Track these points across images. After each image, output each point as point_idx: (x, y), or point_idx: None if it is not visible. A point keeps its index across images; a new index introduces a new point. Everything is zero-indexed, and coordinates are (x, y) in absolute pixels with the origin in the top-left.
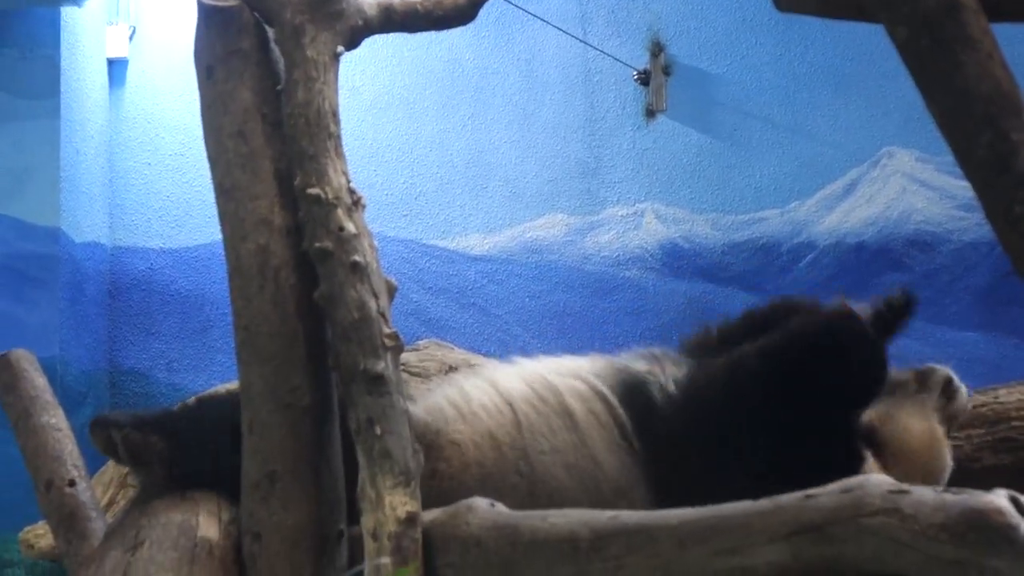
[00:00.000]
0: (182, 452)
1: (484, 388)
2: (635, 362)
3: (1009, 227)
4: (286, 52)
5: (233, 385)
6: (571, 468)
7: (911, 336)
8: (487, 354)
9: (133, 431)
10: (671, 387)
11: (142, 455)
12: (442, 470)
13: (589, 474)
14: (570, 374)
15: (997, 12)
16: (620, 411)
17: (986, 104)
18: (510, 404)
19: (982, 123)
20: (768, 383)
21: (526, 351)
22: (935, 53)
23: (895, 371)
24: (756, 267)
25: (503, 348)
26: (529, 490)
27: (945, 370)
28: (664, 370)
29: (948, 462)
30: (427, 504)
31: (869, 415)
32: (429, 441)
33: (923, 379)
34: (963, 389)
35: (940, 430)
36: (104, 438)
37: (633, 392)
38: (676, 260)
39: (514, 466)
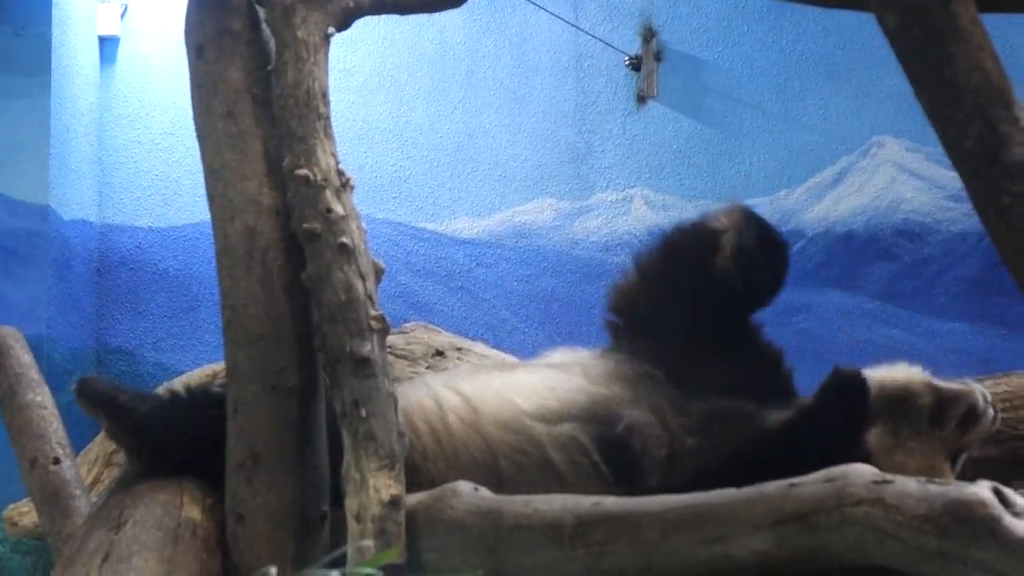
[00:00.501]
0: (151, 449)
1: (467, 422)
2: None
3: (997, 217)
4: (276, 32)
5: (219, 366)
6: None
7: (899, 326)
8: (474, 337)
9: (111, 422)
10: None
11: (118, 439)
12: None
13: None
14: (553, 419)
15: (987, 3)
16: (602, 465)
17: (975, 95)
18: (494, 457)
19: (971, 114)
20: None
21: (513, 335)
22: (925, 43)
23: (920, 379)
24: None
25: (490, 332)
26: None
27: (969, 397)
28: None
29: None
30: None
31: (873, 437)
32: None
33: (940, 409)
34: (988, 414)
35: (942, 470)
36: (89, 408)
37: (618, 447)
38: None
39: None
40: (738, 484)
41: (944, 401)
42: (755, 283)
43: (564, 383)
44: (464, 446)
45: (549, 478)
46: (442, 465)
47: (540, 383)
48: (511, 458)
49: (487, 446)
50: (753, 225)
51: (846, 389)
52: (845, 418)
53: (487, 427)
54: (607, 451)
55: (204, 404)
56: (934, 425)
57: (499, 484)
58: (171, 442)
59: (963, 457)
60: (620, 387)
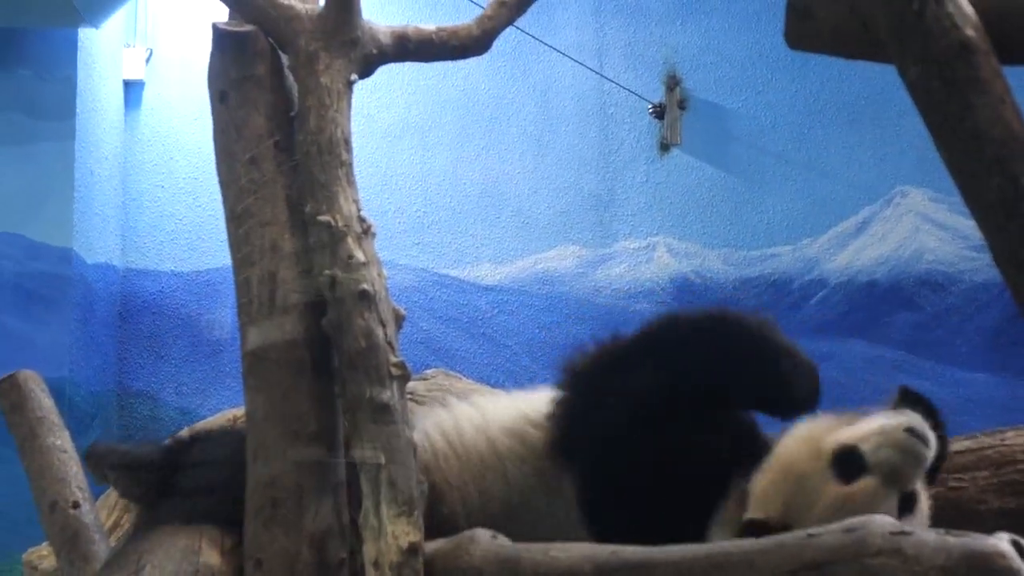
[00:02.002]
0: (172, 492)
1: (478, 427)
2: None
3: (1017, 271)
4: (300, 79)
5: (239, 410)
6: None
7: (922, 376)
8: (495, 384)
9: (122, 473)
10: None
11: (133, 494)
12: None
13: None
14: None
15: (1010, 56)
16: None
17: (996, 147)
18: (503, 461)
19: (992, 166)
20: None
21: (535, 383)
22: (946, 94)
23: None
24: (767, 303)
25: (512, 379)
26: None
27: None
28: None
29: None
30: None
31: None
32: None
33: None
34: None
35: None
36: (99, 472)
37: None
38: (687, 294)
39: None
40: None
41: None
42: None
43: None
44: (475, 447)
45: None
46: (455, 465)
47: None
48: (514, 463)
49: (494, 450)
50: None
51: None
52: None
53: (494, 431)
54: None
55: (217, 446)
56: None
57: (506, 486)
58: (185, 486)
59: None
60: None
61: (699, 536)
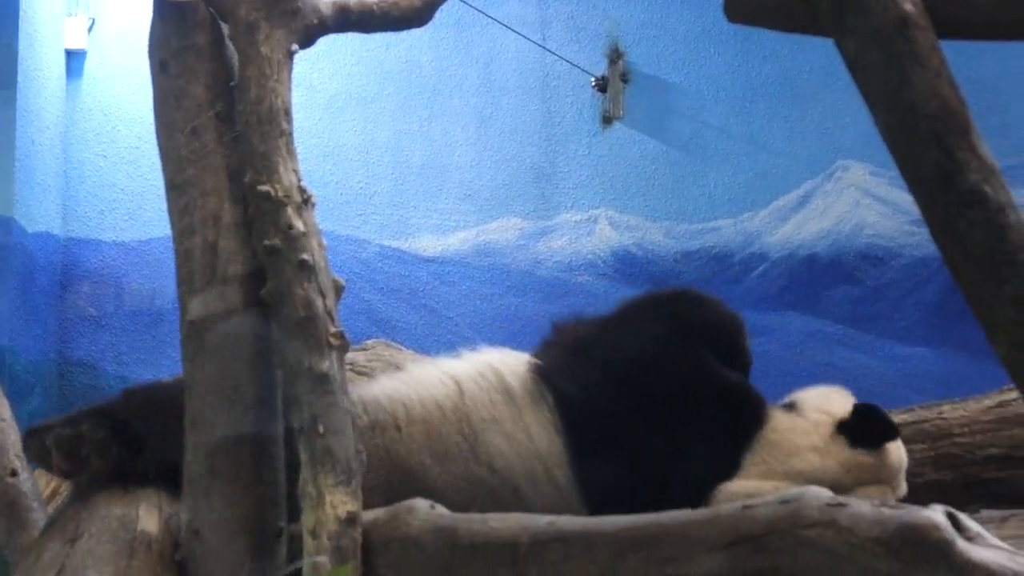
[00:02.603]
0: (121, 440)
1: (429, 367)
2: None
3: (953, 243)
4: (240, 48)
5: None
6: (509, 437)
7: (860, 350)
8: (436, 356)
9: (64, 428)
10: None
11: (77, 450)
12: (385, 421)
13: (523, 444)
14: (512, 360)
15: (947, 30)
16: (547, 392)
17: (933, 121)
18: (454, 378)
19: (928, 140)
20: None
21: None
22: (883, 68)
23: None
24: (708, 276)
25: (453, 350)
26: (471, 451)
27: None
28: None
29: None
30: (371, 457)
31: None
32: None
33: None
34: None
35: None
36: (38, 445)
37: (550, 377)
38: (629, 267)
39: (457, 428)
40: None
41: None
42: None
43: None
44: (426, 373)
45: (507, 402)
46: (403, 388)
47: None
48: (472, 379)
49: (447, 373)
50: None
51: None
52: None
53: (448, 362)
54: (546, 379)
55: (160, 401)
56: None
57: (460, 398)
58: (152, 429)
59: None
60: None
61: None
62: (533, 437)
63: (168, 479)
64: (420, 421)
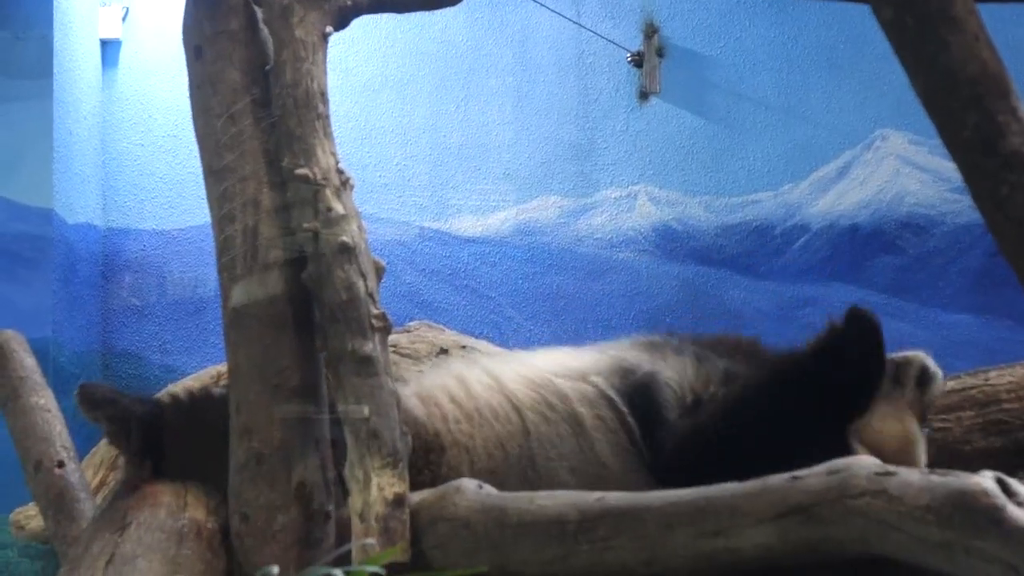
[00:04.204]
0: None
1: (489, 386)
2: (639, 357)
3: (995, 208)
4: (274, 32)
5: (223, 367)
6: (576, 471)
7: (905, 319)
8: (479, 336)
9: (112, 425)
10: (687, 396)
11: (121, 444)
12: (445, 476)
13: (595, 476)
14: (578, 376)
15: None
16: (628, 417)
17: (972, 85)
18: (518, 411)
19: (968, 104)
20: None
21: (519, 333)
22: (920, 33)
23: None
24: (749, 249)
25: (495, 330)
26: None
27: (919, 359)
28: (671, 367)
29: (923, 461)
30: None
31: None
32: (427, 441)
33: (897, 373)
34: (938, 375)
35: (914, 429)
36: (90, 413)
37: (643, 397)
38: (669, 242)
39: (521, 473)
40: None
41: (899, 366)
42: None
43: (584, 354)
44: (488, 404)
45: (576, 433)
46: (465, 425)
47: (560, 356)
48: (538, 411)
49: (510, 403)
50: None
51: (863, 326)
52: (863, 356)
53: (509, 385)
54: (632, 400)
55: (205, 406)
56: (895, 387)
57: (525, 438)
58: (172, 444)
59: (928, 422)
60: (640, 350)
61: None
62: (608, 467)
63: (214, 467)
64: (485, 472)
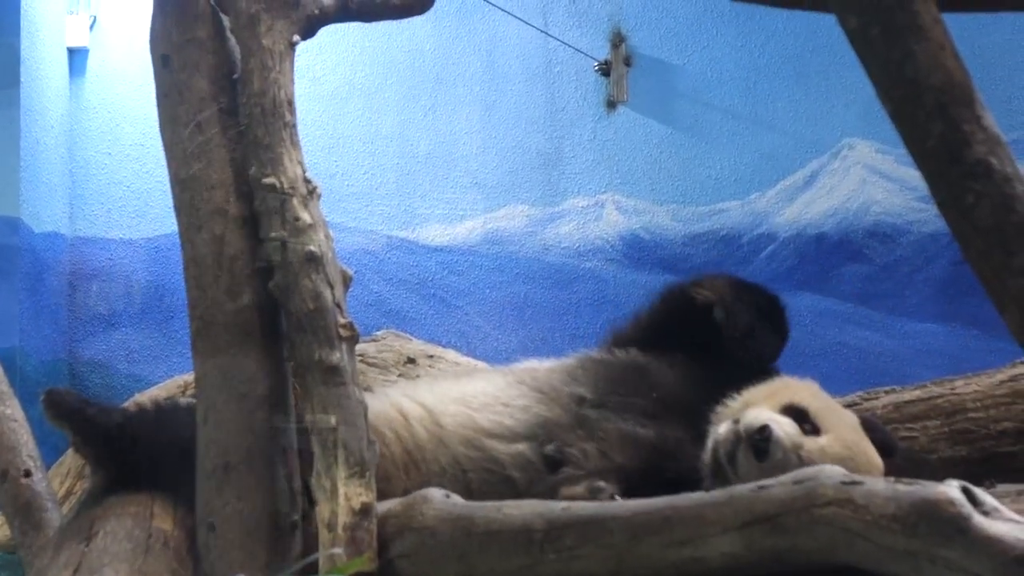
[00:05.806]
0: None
1: (433, 434)
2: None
3: (961, 217)
4: (242, 41)
5: (190, 377)
6: None
7: (871, 327)
8: (446, 345)
9: (78, 435)
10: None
11: (87, 453)
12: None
13: None
14: (509, 435)
15: (949, 3)
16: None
17: (937, 94)
18: (465, 472)
19: (933, 113)
20: None
21: (486, 342)
22: (886, 42)
23: None
24: (717, 258)
25: (463, 339)
26: None
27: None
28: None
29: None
30: None
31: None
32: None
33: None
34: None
35: None
36: (56, 421)
37: (551, 464)
38: (637, 251)
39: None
40: None
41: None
42: (761, 351)
43: (516, 399)
44: (435, 459)
45: (512, 492)
46: (414, 475)
47: (495, 398)
48: (479, 474)
49: (455, 461)
50: (741, 292)
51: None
52: None
53: (452, 442)
54: (550, 467)
55: (172, 415)
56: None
57: (468, 496)
58: (139, 454)
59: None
60: (559, 408)
61: None
62: None
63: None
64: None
